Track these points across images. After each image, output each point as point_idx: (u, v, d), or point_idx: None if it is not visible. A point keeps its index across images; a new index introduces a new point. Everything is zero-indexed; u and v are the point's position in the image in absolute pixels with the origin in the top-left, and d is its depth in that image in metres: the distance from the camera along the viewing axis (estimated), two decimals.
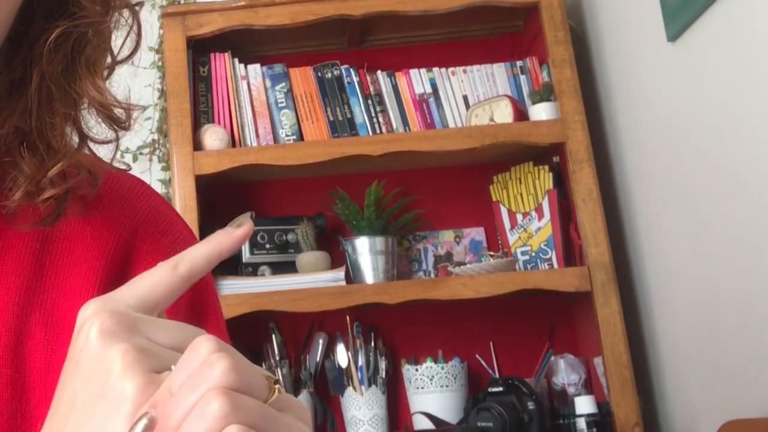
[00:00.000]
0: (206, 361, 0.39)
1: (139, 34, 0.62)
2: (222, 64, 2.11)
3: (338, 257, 2.10)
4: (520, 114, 2.09)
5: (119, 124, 0.60)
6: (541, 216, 2.11)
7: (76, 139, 0.59)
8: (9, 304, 0.58)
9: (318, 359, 2.09)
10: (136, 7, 0.62)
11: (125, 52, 0.62)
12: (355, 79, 2.16)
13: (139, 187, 0.68)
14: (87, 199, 0.60)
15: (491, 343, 2.16)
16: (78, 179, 0.57)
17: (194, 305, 0.65)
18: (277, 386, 0.41)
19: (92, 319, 0.41)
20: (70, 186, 0.57)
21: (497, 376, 2.08)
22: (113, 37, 0.61)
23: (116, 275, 0.61)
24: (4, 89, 0.57)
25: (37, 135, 0.56)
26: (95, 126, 0.60)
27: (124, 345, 0.40)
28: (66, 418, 0.42)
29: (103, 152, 0.62)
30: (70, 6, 0.57)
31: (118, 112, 0.60)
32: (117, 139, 0.62)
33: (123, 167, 0.64)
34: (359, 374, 2.02)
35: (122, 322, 0.41)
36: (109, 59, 0.61)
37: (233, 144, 2.05)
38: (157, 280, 0.44)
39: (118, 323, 0.41)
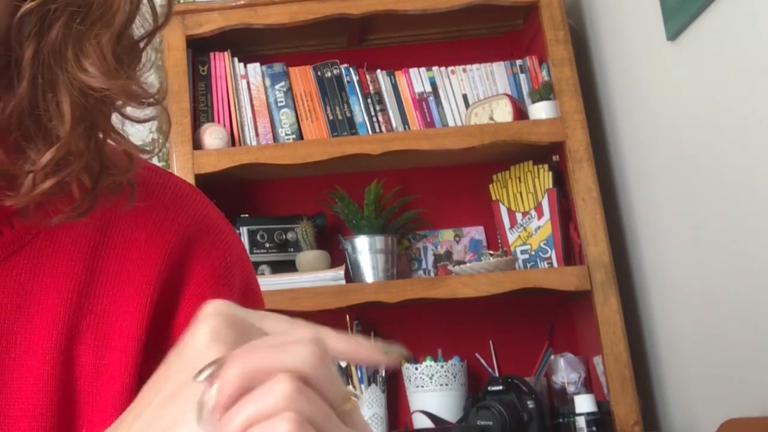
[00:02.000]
0: (299, 340, 0.39)
1: (169, 2, 0.60)
2: (222, 63, 2.11)
3: (338, 256, 2.10)
4: (520, 113, 2.09)
5: (141, 101, 0.57)
6: (540, 215, 2.11)
7: (81, 124, 0.55)
8: (60, 306, 0.57)
9: None
10: None
11: (137, 32, 0.58)
12: (355, 78, 2.16)
13: (190, 191, 0.67)
14: (122, 187, 0.58)
15: (491, 342, 2.16)
16: (78, 166, 0.54)
17: None
18: (352, 398, 0.41)
19: (208, 318, 0.42)
20: (74, 169, 0.54)
21: (497, 374, 2.08)
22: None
23: (168, 283, 0.60)
24: None
25: (36, 123, 0.53)
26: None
27: (224, 348, 0.41)
28: (154, 394, 0.43)
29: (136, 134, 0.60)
30: None
31: (138, 89, 0.57)
32: (165, 111, 0.59)
33: (146, 155, 0.62)
34: (359, 373, 2.02)
35: (233, 325, 0.42)
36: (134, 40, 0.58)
37: (233, 143, 2.05)
38: (285, 330, 0.44)
39: (229, 327, 0.42)
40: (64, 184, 0.53)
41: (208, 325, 0.41)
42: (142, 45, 0.58)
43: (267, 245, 2.09)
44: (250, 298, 0.66)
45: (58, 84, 0.53)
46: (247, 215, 2.11)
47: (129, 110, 0.59)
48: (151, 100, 0.58)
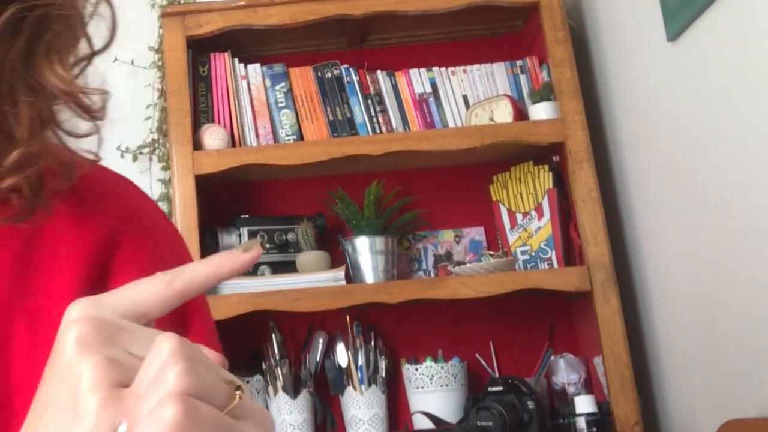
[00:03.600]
0: (163, 365, 0.38)
1: (113, 24, 0.61)
2: (222, 63, 2.11)
3: (338, 257, 2.10)
4: (520, 113, 2.09)
5: (91, 113, 0.59)
6: (540, 215, 2.11)
7: (44, 129, 0.57)
8: None
9: (318, 359, 2.09)
10: None
11: (99, 42, 0.60)
12: (355, 79, 2.16)
13: (122, 184, 0.67)
14: (63, 193, 0.58)
15: (491, 343, 2.16)
16: (37, 167, 0.55)
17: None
18: (238, 393, 0.40)
19: (73, 325, 0.41)
20: (29, 174, 0.55)
21: (497, 375, 2.08)
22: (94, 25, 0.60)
23: (99, 276, 0.60)
24: None
25: None
26: (72, 119, 0.59)
27: (95, 357, 0.39)
28: (39, 419, 0.42)
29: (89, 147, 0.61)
30: None
31: (89, 100, 0.58)
32: (98, 131, 0.60)
33: (91, 158, 0.62)
34: (359, 374, 2.02)
35: (101, 330, 0.40)
36: (87, 49, 0.60)
37: (233, 144, 2.06)
38: (150, 290, 0.43)
39: (97, 332, 0.40)
40: (20, 184, 0.55)
41: (73, 333, 0.40)
42: (83, 65, 0.60)
43: (267, 246, 2.09)
44: None
45: (20, 88, 0.54)
46: (247, 216, 2.10)
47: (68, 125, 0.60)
48: (95, 114, 0.59)
